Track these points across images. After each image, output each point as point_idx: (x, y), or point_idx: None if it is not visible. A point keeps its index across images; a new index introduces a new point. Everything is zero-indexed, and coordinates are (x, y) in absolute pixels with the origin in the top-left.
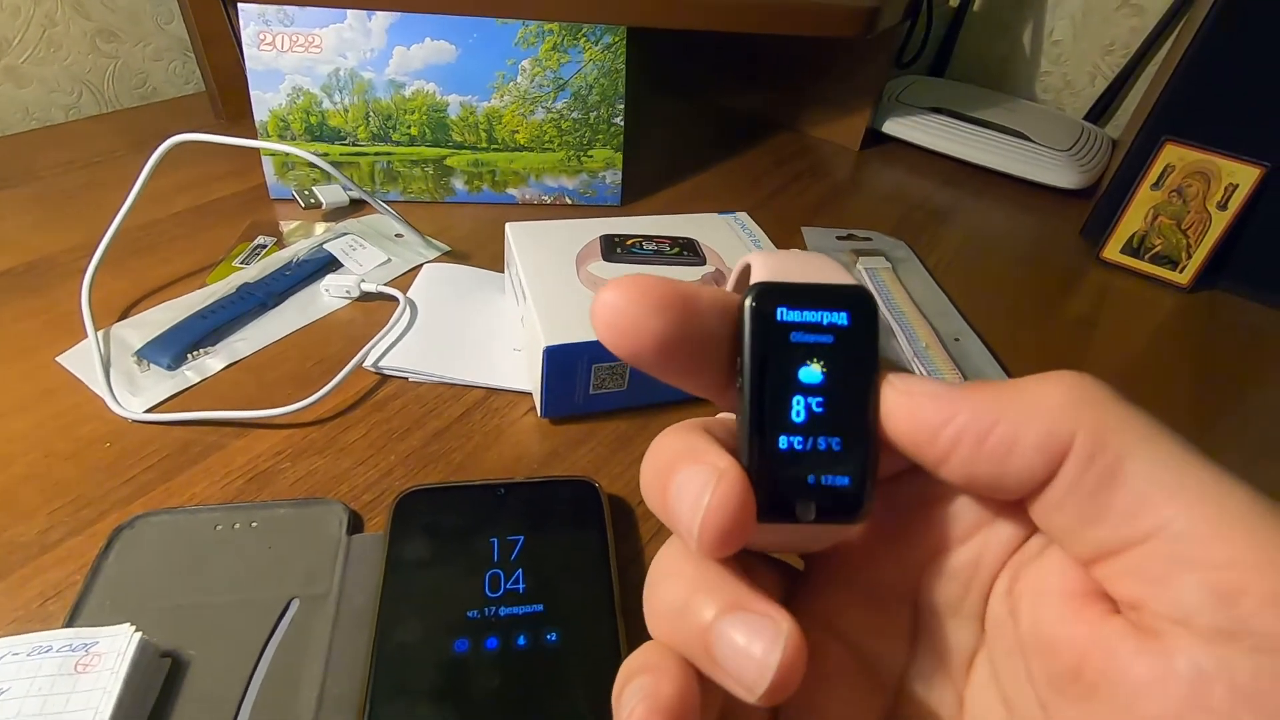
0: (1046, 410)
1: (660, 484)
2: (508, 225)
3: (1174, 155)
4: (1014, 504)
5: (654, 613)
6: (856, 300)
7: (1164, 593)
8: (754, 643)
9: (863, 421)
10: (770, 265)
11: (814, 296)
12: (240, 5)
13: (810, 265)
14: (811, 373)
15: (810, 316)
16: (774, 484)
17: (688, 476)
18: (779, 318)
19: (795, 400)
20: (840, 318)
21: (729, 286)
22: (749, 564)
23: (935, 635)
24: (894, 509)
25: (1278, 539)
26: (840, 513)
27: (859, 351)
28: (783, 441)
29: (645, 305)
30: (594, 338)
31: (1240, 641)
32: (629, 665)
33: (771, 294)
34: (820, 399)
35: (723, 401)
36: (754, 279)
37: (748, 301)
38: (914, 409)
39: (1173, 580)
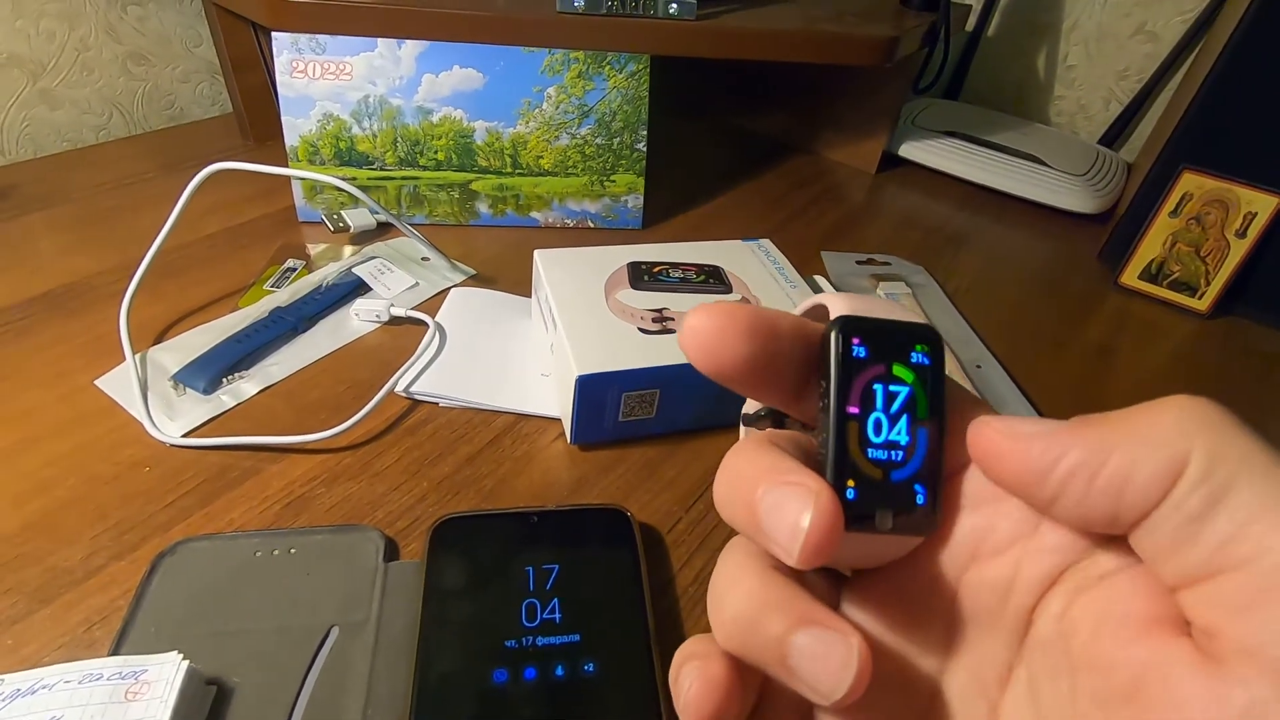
0: (1161, 436)
1: (746, 501)
2: (536, 253)
3: (1192, 183)
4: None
5: (722, 624)
6: (926, 335)
7: (1244, 621)
8: (829, 656)
9: (934, 441)
10: (848, 304)
11: (890, 329)
12: (273, 33)
13: (879, 305)
14: (888, 396)
15: (887, 346)
16: (856, 495)
17: (782, 497)
18: (859, 346)
19: (872, 420)
20: (913, 349)
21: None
22: (803, 573)
23: (970, 645)
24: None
25: None
26: (914, 523)
27: (930, 378)
28: (863, 458)
29: (734, 331)
30: (624, 367)
31: None
32: (682, 652)
33: (853, 325)
34: (895, 420)
35: (791, 408)
36: (834, 314)
37: (833, 332)
38: (1023, 451)
39: (1257, 610)
